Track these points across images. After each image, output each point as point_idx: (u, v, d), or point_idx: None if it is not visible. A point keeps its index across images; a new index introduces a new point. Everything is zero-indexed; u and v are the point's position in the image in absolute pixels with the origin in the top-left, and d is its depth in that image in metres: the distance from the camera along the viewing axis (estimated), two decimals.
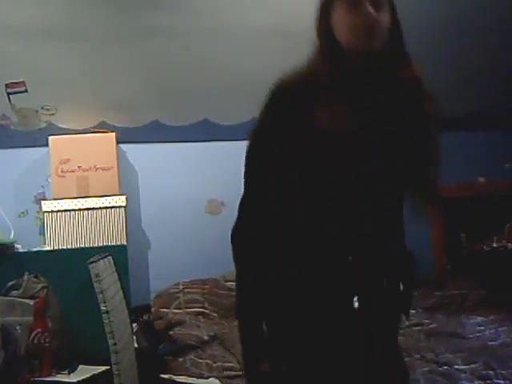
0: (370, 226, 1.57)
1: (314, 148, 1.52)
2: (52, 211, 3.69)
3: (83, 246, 3.65)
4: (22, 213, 3.93)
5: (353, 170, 1.54)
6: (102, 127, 3.97)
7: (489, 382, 2.77)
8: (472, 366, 2.87)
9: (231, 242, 1.60)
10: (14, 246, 3.47)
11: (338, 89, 1.54)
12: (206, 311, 3.73)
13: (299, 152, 1.53)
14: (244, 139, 1.65)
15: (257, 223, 1.57)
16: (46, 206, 3.70)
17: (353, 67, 1.56)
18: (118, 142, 3.88)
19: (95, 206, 3.71)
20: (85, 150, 3.77)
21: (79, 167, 3.75)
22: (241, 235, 1.59)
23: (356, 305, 1.54)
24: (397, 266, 1.62)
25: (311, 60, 1.59)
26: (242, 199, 1.61)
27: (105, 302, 2.58)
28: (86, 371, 2.83)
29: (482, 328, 3.44)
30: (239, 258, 1.60)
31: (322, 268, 1.54)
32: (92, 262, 2.63)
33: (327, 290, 1.54)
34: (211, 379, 2.99)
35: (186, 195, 4.12)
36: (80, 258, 2.84)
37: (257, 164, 1.59)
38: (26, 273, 3.00)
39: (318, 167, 1.53)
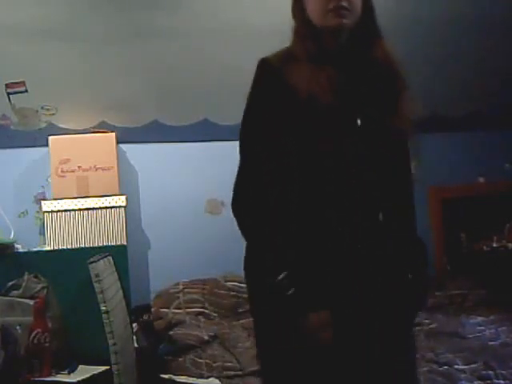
0: (371, 213, 1.57)
1: (301, 121, 1.55)
2: (52, 211, 3.69)
3: (83, 246, 3.65)
4: (22, 213, 3.93)
5: (352, 156, 1.56)
6: (102, 127, 3.97)
7: (489, 382, 2.77)
8: (472, 365, 2.87)
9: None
10: (13, 246, 3.47)
11: (315, 64, 1.58)
12: (206, 311, 3.73)
13: (289, 125, 1.55)
14: None
15: (252, 208, 1.58)
16: (46, 206, 3.70)
17: (326, 44, 1.61)
18: (118, 142, 3.89)
19: (95, 206, 3.71)
20: (85, 149, 3.77)
21: (79, 167, 3.76)
22: (238, 217, 1.63)
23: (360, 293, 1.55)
24: (403, 254, 1.63)
25: (291, 40, 1.66)
26: (238, 174, 1.65)
27: (105, 302, 2.57)
28: (85, 371, 2.83)
29: (482, 328, 3.44)
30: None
31: (321, 254, 1.54)
32: (92, 262, 2.63)
33: (326, 276, 1.54)
34: (211, 379, 2.99)
35: (185, 195, 4.12)
36: (80, 258, 2.83)
37: (252, 135, 1.61)
38: (26, 273, 2.99)
39: (313, 145, 1.55)
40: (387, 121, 1.60)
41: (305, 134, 1.56)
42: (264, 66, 1.63)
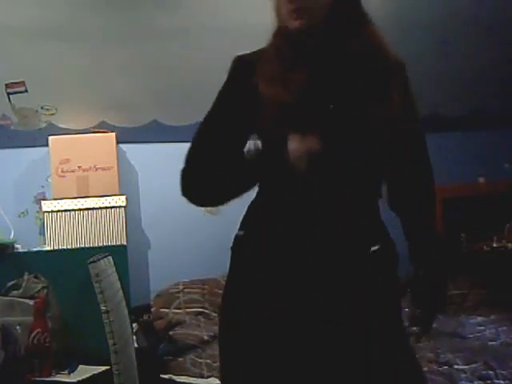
0: (334, 219, 1.53)
1: (263, 120, 1.54)
2: (52, 211, 3.68)
3: (83, 246, 3.65)
4: (22, 213, 3.93)
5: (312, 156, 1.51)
6: (102, 127, 3.97)
7: (489, 381, 2.77)
8: (472, 365, 2.87)
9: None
10: (13, 246, 3.47)
11: (285, 64, 1.57)
12: (206, 311, 3.72)
13: (252, 121, 1.57)
14: None
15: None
16: (46, 206, 3.70)
17: (300, 44, 1.58)
18: (118, 142, 3.88)
19: (95, 206, 3.71)
20: (85, 150, 3.77)
21: (79, 167, 3.75)
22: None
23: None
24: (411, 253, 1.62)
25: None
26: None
27: (105, 302, 2.57)
28: (85, 371, 2.83)
29: (482, 328, 3.44)
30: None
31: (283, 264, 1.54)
32: (92, 262, 2.63)
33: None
34: (211, 379, 2.99)
35: None
36: (80, 258, 2.83)
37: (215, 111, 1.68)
38: (26, 273, 2.99)
39: (277, 147, 1.54)
40: (373, 114, 1.52)
41: (268, 136, 1.56)
42: (236, 60, 1.67)
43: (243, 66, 1.64)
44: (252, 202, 1.66)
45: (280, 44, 1.60)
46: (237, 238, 1.64)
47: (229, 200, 1.67)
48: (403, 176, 1.68)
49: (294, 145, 1.49)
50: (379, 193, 1.66)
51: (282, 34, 1.60)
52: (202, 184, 1.66)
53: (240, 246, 1.63)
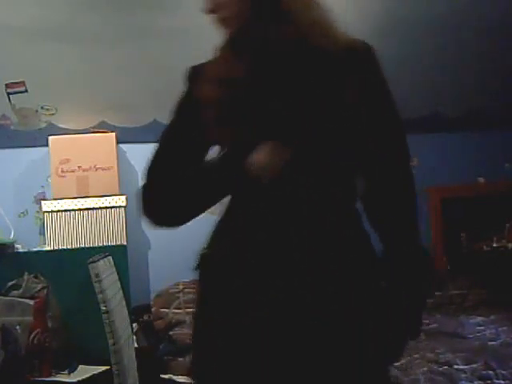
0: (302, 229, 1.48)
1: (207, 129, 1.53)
2: (52, 211, 3.69)
3: (83, 246, 3.65)
4: (22, 213, 3.93)
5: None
6: (102, 127, 3.97)
7: (489, 382, 2.77)
8: (472, 365, 2.87)
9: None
10: (14, 246, 3.48)
11: (226, 64, 1.55)
12: None
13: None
14: None
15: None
16: (46, 206, 3.70)
17: (237, 45, 1.56)
18: (118, 142, 3.88)
19: (95, 206, 3.71)
20: (85, 150, 3.77)
21: (79, 167, 3.76)
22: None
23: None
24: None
25: None
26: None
27: (105, 302, 2.58)
28: (85, 371, 2.83)
29: (482, 328, 3.44)
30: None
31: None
32: (92, 262, 2.63)
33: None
34: None
35: None
36: (80, 258, 2.84)
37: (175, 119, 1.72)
38: (26, 273, 3.00)
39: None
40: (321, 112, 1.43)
41: (229, 145, 1.54)
42: (189, 71, 1.66)
43: (195, 76, 1.63)
44: (221, 218, 1.63)
45: (222, 48, 1.58)
46: (203, 256, 1.61)
47: (193, 216, 1.69)
48: (375, 182, 1.52)
49: (257, 157, 1.46)
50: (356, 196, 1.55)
51: (227, 44, 1.58)
52: (165, 197, 1.64)
53: (207, 262, 1.61)
